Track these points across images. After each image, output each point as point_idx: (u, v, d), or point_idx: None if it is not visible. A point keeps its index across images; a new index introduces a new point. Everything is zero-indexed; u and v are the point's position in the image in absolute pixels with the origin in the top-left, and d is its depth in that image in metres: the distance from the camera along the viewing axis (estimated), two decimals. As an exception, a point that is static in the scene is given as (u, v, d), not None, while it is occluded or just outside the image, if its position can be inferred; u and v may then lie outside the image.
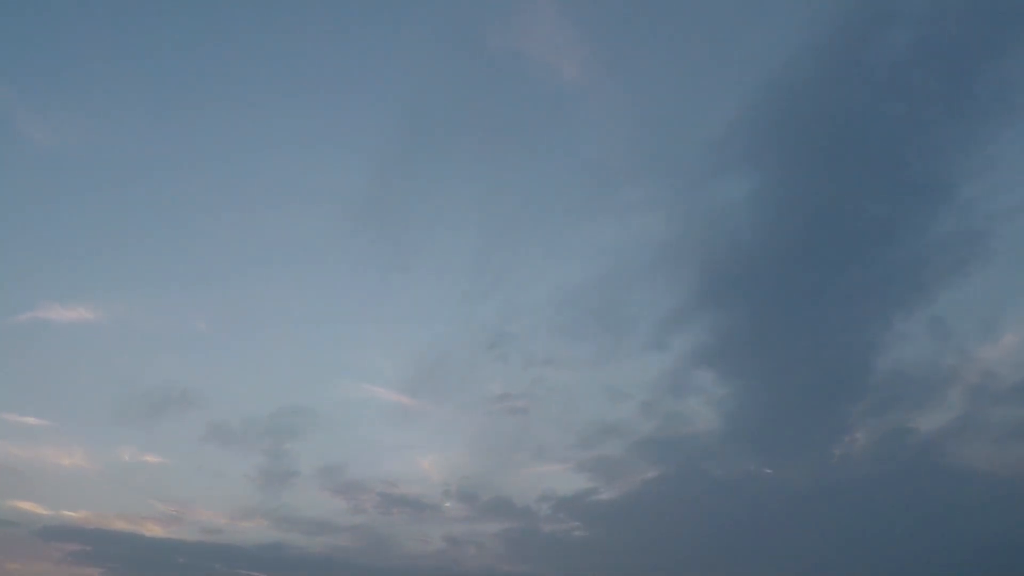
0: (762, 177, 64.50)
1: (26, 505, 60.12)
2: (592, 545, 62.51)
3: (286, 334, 75.65)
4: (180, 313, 74.50)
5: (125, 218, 76.79)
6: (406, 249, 73.97)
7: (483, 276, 72.92)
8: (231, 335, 75.66)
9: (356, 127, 78.42)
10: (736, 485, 61.28)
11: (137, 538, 61.72)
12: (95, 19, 72.76)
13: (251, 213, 77.26)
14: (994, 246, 57.41)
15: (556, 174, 76.95)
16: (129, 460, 65.62)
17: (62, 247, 74.21)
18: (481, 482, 66.35)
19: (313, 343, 75.96)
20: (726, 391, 63.49)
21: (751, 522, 59.07)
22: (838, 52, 60.50)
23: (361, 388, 71.96)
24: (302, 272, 78.97)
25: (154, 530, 62.17)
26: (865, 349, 61.12)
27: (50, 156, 72.07)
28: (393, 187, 74.50)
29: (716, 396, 63.58)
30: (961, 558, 50.74)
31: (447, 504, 64.89)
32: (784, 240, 63.28)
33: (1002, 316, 59.79)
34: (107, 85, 73.43)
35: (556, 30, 72.13)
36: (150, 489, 64.44)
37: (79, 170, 74.30)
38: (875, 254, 62.51)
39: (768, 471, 61.57)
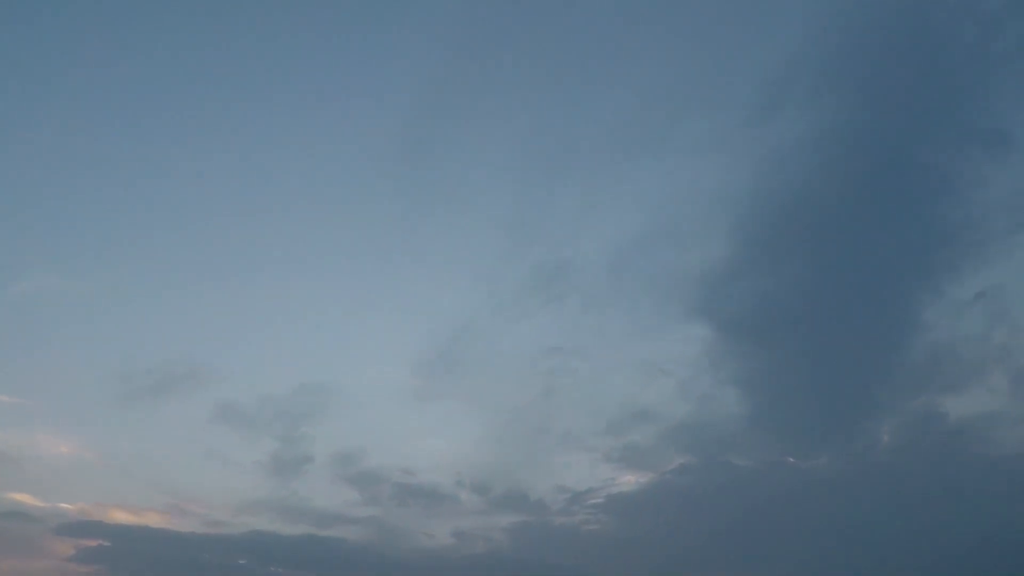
0: (820, 118, 59.95)
1: (19, 496, 55.77)
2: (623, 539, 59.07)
3: (306, 304, 71.69)
4: (187, 282, 70.18)
5: (129, 184, 72.51)
6: (438, 198, 70.30)
7: (518, 230, 68.76)
8: (244, 306, 71.39)
9: (390, 63, 74.28)
10: (760, 475, 58.29)
11: (138, 530, 57.52)
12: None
13: (272, 164, 73.26)
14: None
15: (602, 111, 72.39)
16: (129, 445, 61.22)
17: (57, 212, 69.66)
18: (503, 472, 61.99)
19: (334, 313, 71.88)
20: (759, 366, 59.93)
21: (775, 513, 56.21)
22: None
23: (383, 363, 67.81)
24: (324, 231, 74.75)
25: (156, 521, 58.17)
26: (908, 320, 57.57)
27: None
28: (427, 131, 69.75)
29: (749, 373, 59.84)
30: (993, 549, 47.47)
31: (464, 495, 60.91)
32: (837, 189, 59.23)
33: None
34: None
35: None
36: (152, 477, 60.01)
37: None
38: (929, 210, 58.27)
39: (792, 460, 58.54)
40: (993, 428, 52.47)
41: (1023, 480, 49.56)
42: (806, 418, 57.46)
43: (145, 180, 72.50)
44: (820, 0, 60.23)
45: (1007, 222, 54.58)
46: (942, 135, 57.22)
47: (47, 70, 70.27)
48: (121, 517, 57.51)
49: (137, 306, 68.32)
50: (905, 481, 53.28)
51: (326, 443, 61.66)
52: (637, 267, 64.47)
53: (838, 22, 58.00)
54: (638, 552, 57.33)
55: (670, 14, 68.56)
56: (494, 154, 73.08)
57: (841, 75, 59.27)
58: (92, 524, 56.49)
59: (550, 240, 68.77)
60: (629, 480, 60.84)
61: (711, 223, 62.74)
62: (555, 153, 71.22)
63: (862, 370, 57.68)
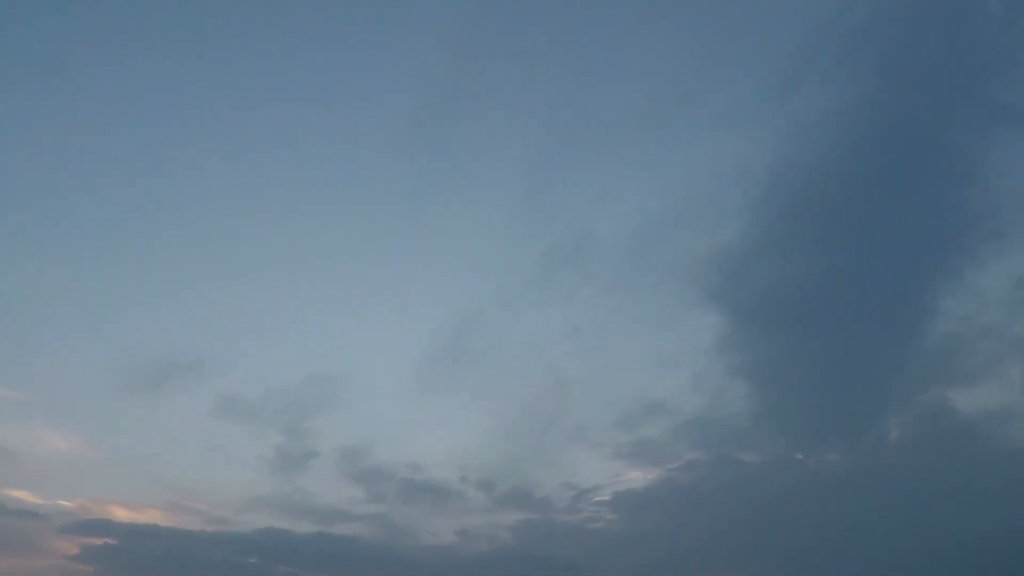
0: (841, 94, 58.22)
1: (16, 493, 54.49)
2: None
3: (312, 295, 70.30)
4: (190, 273, 68.77)
5: (131, 176, 71.27)
6: (447, 184, 69.14)
7: (530, 216, 67.54)
8: (248, 296, 69.57)
9: (400, 41, 72.05)
10: (769, 471, 57.21)
11: (146, 528, 56.59)
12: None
13: (277, 155, 71.79)
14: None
15: (622, 87, 70.15)
16: (130, 440, 59.87)
17: (58, 202, 68.06)
18: (510, 468, 60.56)
19: (341, 304, 70.03)
20: (771, 357, 58.75)
21: (783, 510, 55.29)
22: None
23: (389, 355, 66.03)
24: (330, 220, 72.97)
25: (157, 518, 57.09)
26: (924, 309, 56.00)
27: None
28: (436, 113, 68.50)
29: (761, 364, 58.55)
30: (1005, 546, 46.18)
31: (471, 492, 59.25)
32: (856, 169, 57.53)
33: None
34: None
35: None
36: (153, 473, 58.64)
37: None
38: (952, 193, 56.43)
39: (800, 456, 57.55)
40: (1007, 423, 51.23)
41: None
42: (816, 412, 56.53)
43: (147, 171, 71.08)
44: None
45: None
46: (967, 114, 55.72)
47: (63, 59, 69.30)
48: (121, 514, 56.55)
49: (139, 297, 67.28)
50: (915, 477, 52.24)
51: (332, 437, 60.50)
52: (654, 251, 63.33)
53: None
54: (645, 550, 56.30)
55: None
56: (508, 135, 71.66)
57: (864, 49, 57.62)
58: (98, 522, 55.51)
59: (563, 225, 67.49)
60: (638, 476, 59.86)
61: (730, 203, 61.27)
62: (572, 132, 69.39)
63: (875, 362, 56.57)
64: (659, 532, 56.98)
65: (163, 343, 63.87)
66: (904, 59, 56.52)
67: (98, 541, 54.59)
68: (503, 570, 55.98)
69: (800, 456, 57.09)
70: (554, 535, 57.66)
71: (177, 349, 62.38)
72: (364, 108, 72.90)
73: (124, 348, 62.07)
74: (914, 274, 56.76)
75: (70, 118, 68.05)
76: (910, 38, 56.53)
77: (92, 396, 61.09)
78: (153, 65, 71.12)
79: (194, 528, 56.04)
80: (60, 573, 53.04)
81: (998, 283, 53.23)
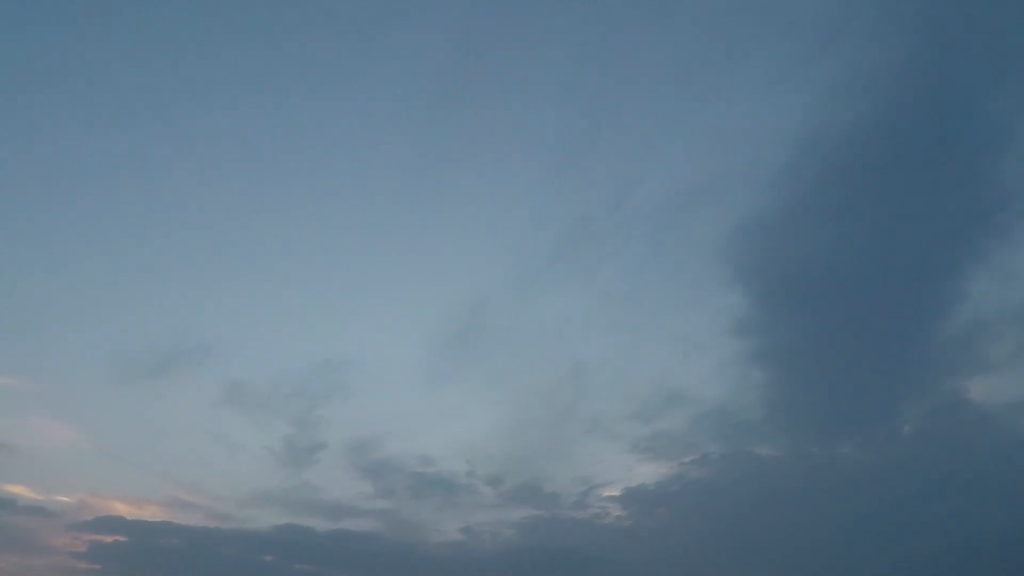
0: (880, 55, 54.99)
1: (12, 488, 52.41)
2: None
3: (321, 279, 67.84)
4: (196, 256, 66.26)
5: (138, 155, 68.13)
6: (463, 157, 66.47)
7: (551, 189, 65.19)
8: (256, 277, 67.11)
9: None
10: (782, 465, 55.77)
11: (158, 526, 54.32)
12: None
13: (287, 136, 69.08)
14: None
15: (659, 39, 66.04)
16: (131, 430, 57.76)
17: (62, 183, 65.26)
18: (522, 463, 58.69)
19: (351, 288, 67.91)
20: (791, 341, 56.84)
21: (796, 505, 53.98)
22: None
23: (400, 341, 63.52)
24: (342, 199, 69.93)
25: (158, 514, 54.55)
26: (950, 292, 53.68)
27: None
28: (457, 78, 65.55)
29: (781, 350, 56.62)
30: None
31: (481, 487, 56.81)
32: (890, 137, 54.79)
33: None
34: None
35: None
36: (154, 465, 56.50)
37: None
38: (988, 167, 53.36)
39: (815, 449, 56.00)
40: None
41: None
42: (831, 403, 55.24)
43: (151, 156, 68.28)
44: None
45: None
46: (1009, 84, 52.98)
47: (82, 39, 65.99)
48: (122, 509, 54.50)
49: (143, 281, 64.77)
50: (931, 470, 51.13)
51: (340, 428, 58.70)
52: (679, 227, 61.23)
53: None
54: (655, 547, 55.15)
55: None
56: (530, 107, 68.41)
57: (909, 7, 55.35)
58: (102, 518, 53.68)
59: (585, 202, 64.92)
60: (650, 471, 58.28)
61: (758, 173, 58.78)
62: (599, 101, 66.44)
63: (895, 346, 54.82)
64: (669, 529, 55.97)
65: (167, 328, 61.82)
66: (948, 21, 53.77)
67: (101, 538, 52.93)
68: (511, 568, 54.16)
69: (814, 449, 55.67)
70: (564, 531, 56.31)
71: (182, 335, 60.29)
72: (376, 87, 70.23)
73: (127, 334, 60.18)
74: (942, 253, 54.66)
75: (78, 103, 65.87)
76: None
77: (92, 384, 58.96)
78: (167, 51, 68.41)
79: (196, 524, 54.48)
80: (62, 572, 51.25)
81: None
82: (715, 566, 54.03)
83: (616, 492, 57.24)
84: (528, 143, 68.00)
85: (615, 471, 58.01)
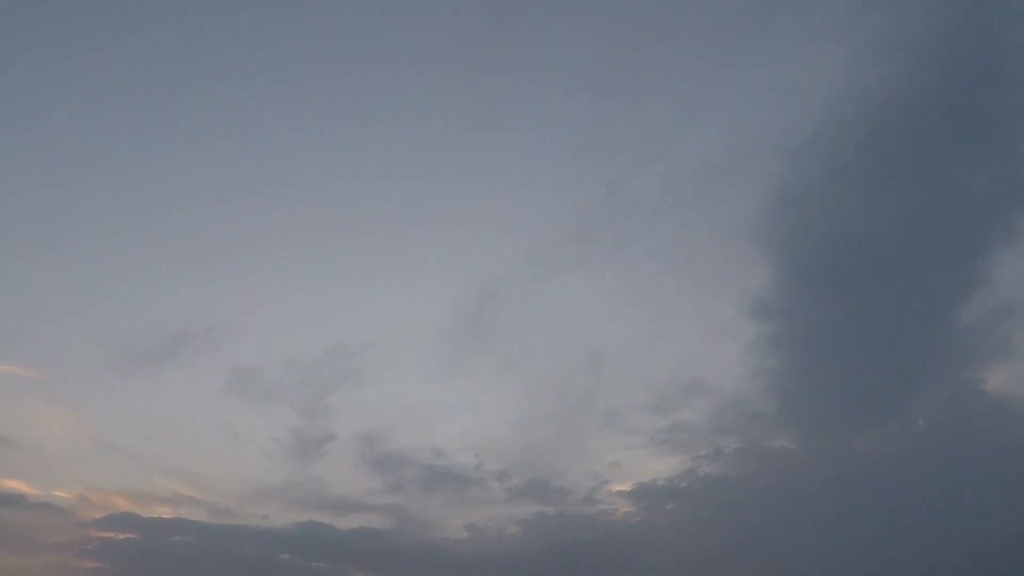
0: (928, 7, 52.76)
1: (9, 483, 50.02)
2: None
3: (333, 257, 65.46)
4: (203, 229, 62.54)
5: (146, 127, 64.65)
6: (478, 132, 63.68)
7: (576, 161, 62.02)
8: (267, 256, 64.36)
9: None
10: (798, 459, 54.71)
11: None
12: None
13: (299, 114, 66.48)
14: None
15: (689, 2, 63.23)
16: (132, 421, 55.24)
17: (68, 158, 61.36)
18: (534, 458, 57.03)
19: (363, 268, 65.89)
20: (813, 324, 55.21)
21: (814, 500, 52.80)
22: None
23: (413, 326, 60.99)
24: (355, 179, 67.32)
25: (161, 511, 52.53)
26: (974, 277, 52.15)
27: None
28: (481, 48, 63.64)
29: (800, 331, 54.80)
30: None
31: (493, 482, 55.08)
32: (927, 97, 52.55)
33: None
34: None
35: None
36: (157, 459, 54.19)
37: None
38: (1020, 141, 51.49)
39: (827, 443, 54.91)
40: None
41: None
42: (850, 392, 53.97)
43: (161, 128, 64.87)
44: None
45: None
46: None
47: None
48: (123, 504, 52.25)
49: (147, 261, 61.81)
50: (946, 464, 50.09)
51: (350, 418, 56.87)
52: (708, 201, 59.41)
53: None
54: (664, 544, 54.10)
55: None
56: (556, 72, 65.00)
57: None
58: (102, 513, 51.82)
59: (606, 176, 62.16)
60: (664, 466, 56.56)
61: (792, 139, 56.01)
62: (630, 66, 63.20)
63: (918, 330, 53.67)
64: (679, 525, 54.83)
65: (172, 311, 59.17)
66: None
67: (110, 535, 51.03)
68: (517, 566, 52.82)
69: (828, 443, 54.64)
70: (571, 528, 54.94)
71: (187, 317, 57.57)
72: (394, 63, 66.77)
73: (129, 317, 57.39)
74: (971, 232, 53.14)
75: (88, 77, 62.48)
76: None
77: (93, 371, 56.34)
78: (187, 17, 63.98)
79: (200, 519, 52.67)
80: (67, 573, 49.12)
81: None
82: (724, 563, 53.24)
83: (627, 487, 56.33)
84: (548, 117, 65.24)
85: (627, 465, 56.83)
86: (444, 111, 65.61)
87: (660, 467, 55.88)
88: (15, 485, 50.10)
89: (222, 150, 65.84)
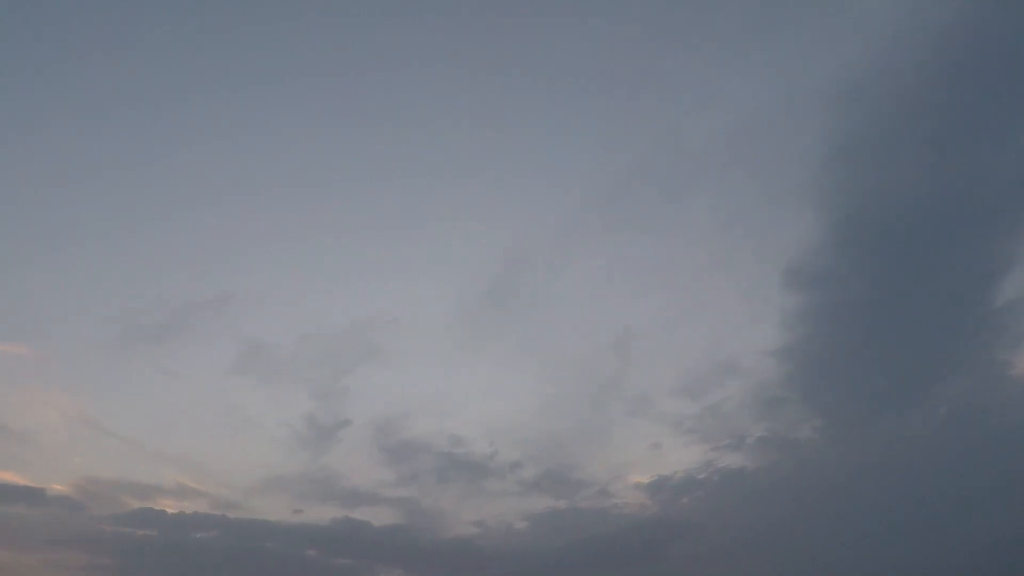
0: None
1: (3, 474, 46.81)
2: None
3: (359, 220, 62.12)
4: (216, 192, 58.54)
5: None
6: (500, 90, 59.78)
7: (615, 120, 58.85)
8: (284, 222, 60.64)
9: None
10: (820, 450, 52.11)
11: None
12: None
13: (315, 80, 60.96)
14: None
15: None
16: (133, 405, 51.82)
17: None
18: (557, 447, 52.98)
19: (389, 233, 61.85)
20: (844, 299, 52.19)
21: (834, 492, 50.67)
22: None
23: (430, 304, 56.83)
24: (382, 130, 62.79)
25: (165, 503, 49.55)
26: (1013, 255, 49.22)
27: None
28: None
29: (831, 306, 51.76)
30: None
31: (508, 473, 51.87)
32: (970, 55, 48.77)
33: None
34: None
35: None
36: (161, 447, 50.89)
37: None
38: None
39: (850, 430, 52.28)
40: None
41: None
42: (877, 374, 52.03)
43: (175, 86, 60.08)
44: None
45: None
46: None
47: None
48: (130, 501, 49.00)
49: (157, 224, 58.02)
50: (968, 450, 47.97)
51: (366, 401, 54.19)
52: (749, 160, 55.72)
53: None
54: (681, 541, 51.71)
55: None
56: (592, 22, 59.83)
57: None
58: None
59: (641, 136, 58.86)
60: (685, 457, 54.14)
61: (841, 86, 51.65)
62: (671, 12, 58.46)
63: (951, 311, 50.98)
64: (694, 520, 52.25)
65: (181, 278, 55.26)
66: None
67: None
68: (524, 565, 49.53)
69: (850, 432, 52.13)
70: (588, 524, 52.33)
71: (197, 284, 54.07)
72: (412, 38, 61.19)
73: (134, 286, 53.78)
74: (1009, 206, 49.61)
75: (100, 48, 57.96)
76: None
77: (93, 348, 52.94)
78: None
79: (210, 512, 49.37)
80: (76, 571, 45.91)
81: None
82: (738, 559, 50.18)
83: (645, 479, 53.87)
84: (582, 71, 58.90)
85: (649, 456, 54.52)
86: (465, 65, 60.33)
87: (682, 458, 53.68)
88: (7, 476, 47.02)
89: (240, 109, 61.28)
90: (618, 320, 56.05)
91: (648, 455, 53.70)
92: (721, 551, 49.82)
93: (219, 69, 60.34)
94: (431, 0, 61.58)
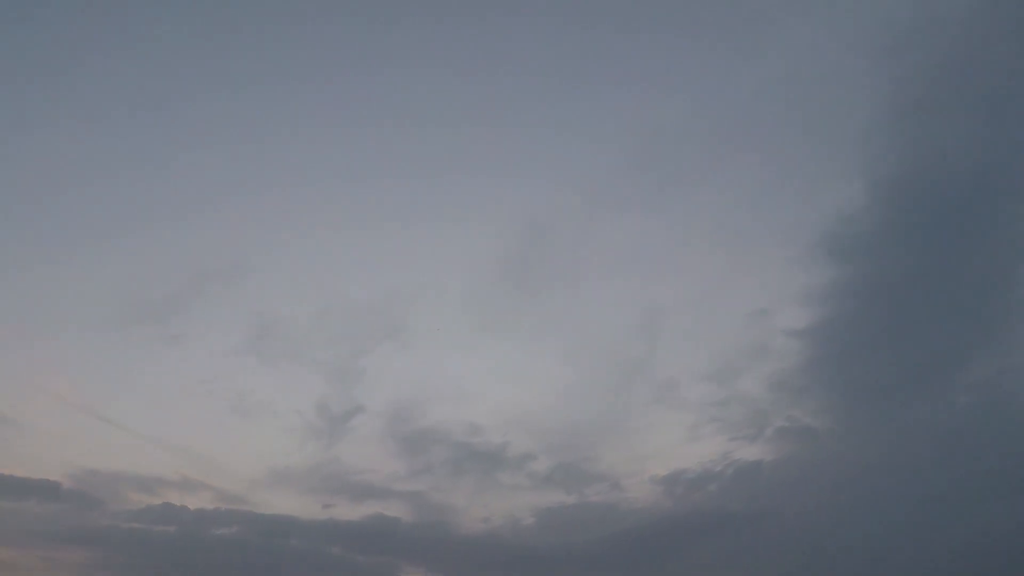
0: None
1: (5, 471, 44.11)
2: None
3: (382, 194, 61.18)
4: (231, 157, 56.85)
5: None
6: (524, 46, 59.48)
7: (653, 74, 57.87)
8: (302, 188, 59.32)
9: None
10: (842, 441, 50.82)
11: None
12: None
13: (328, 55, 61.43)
14: None
15: None
16: (134, 390, 49.09)
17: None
18: (579, 436, 51.11)
19: (410, 200, 60.77)
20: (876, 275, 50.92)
21: (852, 483, 49.20)
22: None
23: (463, 272, 54.81)
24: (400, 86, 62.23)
25: (167, 496, 46.57)
26: None
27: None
28: None
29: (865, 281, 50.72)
30: None
31: (526, 466, 50.18)
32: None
33: None
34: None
35: None
36: (163, 437, 48.12)
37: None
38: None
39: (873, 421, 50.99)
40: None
41: None
42: (901, 361, 50.88)
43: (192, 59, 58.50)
44: None
45: None
46: None
47: None
48: (135, 498, 46.37)
49: (162, 191, 56.89)
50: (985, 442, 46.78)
51: (382, 386, 52.75)
52: (790, 120, 54.60)
53: None
54: (690, 539, 50.32)
55: None
56: None
57: None
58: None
59: (677, 95, 57.14)
60: (704, 449, 52.79)
61: (884, 41, 50.07)
62: None
63: (982, 287, 49.95)
64: (706, 515, 50.73)
65: (188, 248, 54.07)
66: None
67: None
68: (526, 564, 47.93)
69: (868, 423, 51.02)
70: (597, 521, 51.35)
71: (205, 254, 52.59)
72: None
73: (138, 257, 52.32)
74: None
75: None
76: None
77: (92, 327, 50.06)
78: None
79: (218, 506, 46.96)
80: (85, 570, 43.11)
81: None
82: (747, 559, 48.76)
83: (661, 473, 52.70)
84: (627, 24, 55.27)
85: (669, 448, 53.36)
86: (498, 25, 61.08)
87: (701, 450, 52.27)
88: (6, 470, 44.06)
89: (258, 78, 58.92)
90: (645, 296, 53.79)
91: (667, 446, 52.59)
92: (734, 553, 48.72)
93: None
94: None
